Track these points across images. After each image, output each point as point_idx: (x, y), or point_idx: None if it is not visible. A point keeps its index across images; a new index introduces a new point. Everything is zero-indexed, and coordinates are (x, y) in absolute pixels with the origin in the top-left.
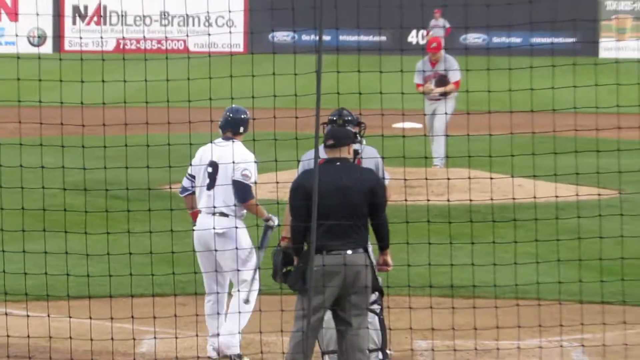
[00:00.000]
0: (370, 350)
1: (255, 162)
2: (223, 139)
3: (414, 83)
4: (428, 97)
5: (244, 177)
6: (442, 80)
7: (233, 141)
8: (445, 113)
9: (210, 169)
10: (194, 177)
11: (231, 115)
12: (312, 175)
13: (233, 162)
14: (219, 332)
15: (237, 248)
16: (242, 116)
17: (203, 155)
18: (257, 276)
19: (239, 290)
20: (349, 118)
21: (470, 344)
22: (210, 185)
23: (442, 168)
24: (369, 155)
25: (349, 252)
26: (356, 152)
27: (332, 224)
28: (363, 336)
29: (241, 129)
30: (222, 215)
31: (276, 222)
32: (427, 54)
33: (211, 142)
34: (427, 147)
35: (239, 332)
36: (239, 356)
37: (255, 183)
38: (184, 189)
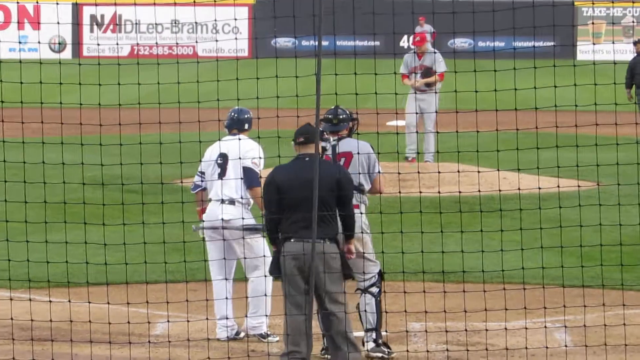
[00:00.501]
0: (366, 330)
1: (260, 157)
2: (230, 135)
3: (400, 74)
4: (415, 89)
5: (254, 165)
6: (427, 73)
7: (239, 139)
8: (436, 111)
9: (220, 160)
10: (203, 173)
11: (236, 115)
12: (282, 170)
13: (240, 158)
14: (227, 316)
15: (243, 231)
16: (246, 115)
17: (212, 151)
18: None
19: (246, 278)
20: (343, 116)
21: (461, 325)
22: (221, 175)
23: (432, 163)
24: (363, 151)
25: (320, 241)
26: (324, 149)
27: (301, 215)
28: (341, 319)
29: (246, 126)
30: (230, 203)
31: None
32: (414, 48)
33: (219, 140)
34: (403, 142)
35: (266, 315)
36: (263, 336)
37: (260, 177)
38: (195, 186)
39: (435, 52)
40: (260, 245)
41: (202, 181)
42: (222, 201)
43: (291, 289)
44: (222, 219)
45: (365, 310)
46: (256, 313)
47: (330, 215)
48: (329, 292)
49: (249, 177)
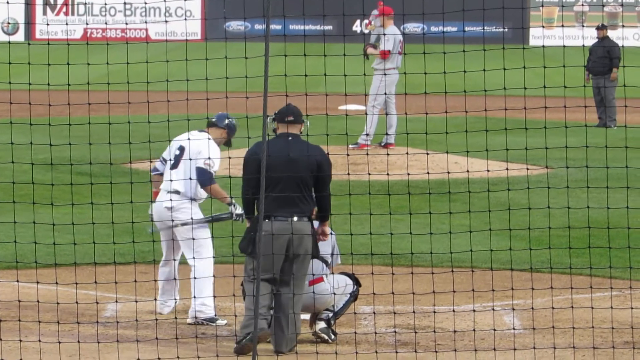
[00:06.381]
0: (326, 309)
1: (218, 158)
2: (199, 131)
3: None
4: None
5: (206, 165)
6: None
7: (209, 138)
8: (373, 94)
9: (177, 152)
10: (166, 160)
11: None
12: (265, 147)
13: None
14: (175, 298)
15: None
16: (226, 121)
17: (176, 142)
18: (210, 245)
19: (193, 258)
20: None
21: (409, 308)
22: (174, 166)
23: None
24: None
25: (295, 219)
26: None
27: (280, 193)
28: (296, 301)
29: (220, 124)
30: (176, 193)
31: (238, 212)
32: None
33: (188, 133)
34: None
35: (213, 296)
36: (212, 319)
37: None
38: (155, 169)
39: (389, 28)
40: (205, 230)
41: (163, 168)
42: (170, 192)
43: (262, 267)
44: (166, 207)
45: (334, 293)
46: (202, 297)
47: (308, 195)
48: (296, 270)
49: (202, 176)
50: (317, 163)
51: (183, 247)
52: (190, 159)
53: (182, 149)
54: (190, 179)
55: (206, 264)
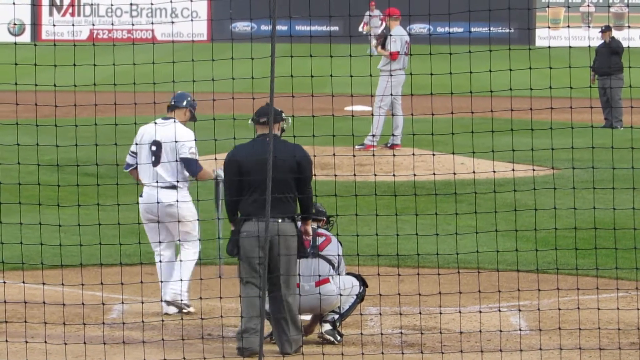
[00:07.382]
0: (332, 311)
1: (195, 140)
2: (163, 119)
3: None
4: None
5: (192, 154)
6: (383, 44)
7: (174, 121)
8: (380, 95)
9: (154, 148)
10: (135, 153)
11: (174, 99)
12: (243, 150)
13: (176, 142)
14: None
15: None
16: (188, 98)
17: (145, 134)
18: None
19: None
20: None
21: (416, 309)
22: (155, 163)
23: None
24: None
25: (279, 220)
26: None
27: (260, 195)
28: (291, 303)
29: (184, 103)
30: (171, 188)
31: (220, 174)
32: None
33: (154, 122)
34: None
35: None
36: (187, 305)
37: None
38: (128, 165)
39: (395, 29)
40: (196, 226)
41: (135, 162)
42: (160, 187)
43: (249, 268)
44: (160, 202)
45: (340, 294)
46: (185, 281)
47: (290, 195)
48: (285, 271)
49: (191, 166)
50: (297, 163)
51: (182, 235)
52: (169, 161)
53: (158, 144)
54: (176, 161)
55: (196, 249)
